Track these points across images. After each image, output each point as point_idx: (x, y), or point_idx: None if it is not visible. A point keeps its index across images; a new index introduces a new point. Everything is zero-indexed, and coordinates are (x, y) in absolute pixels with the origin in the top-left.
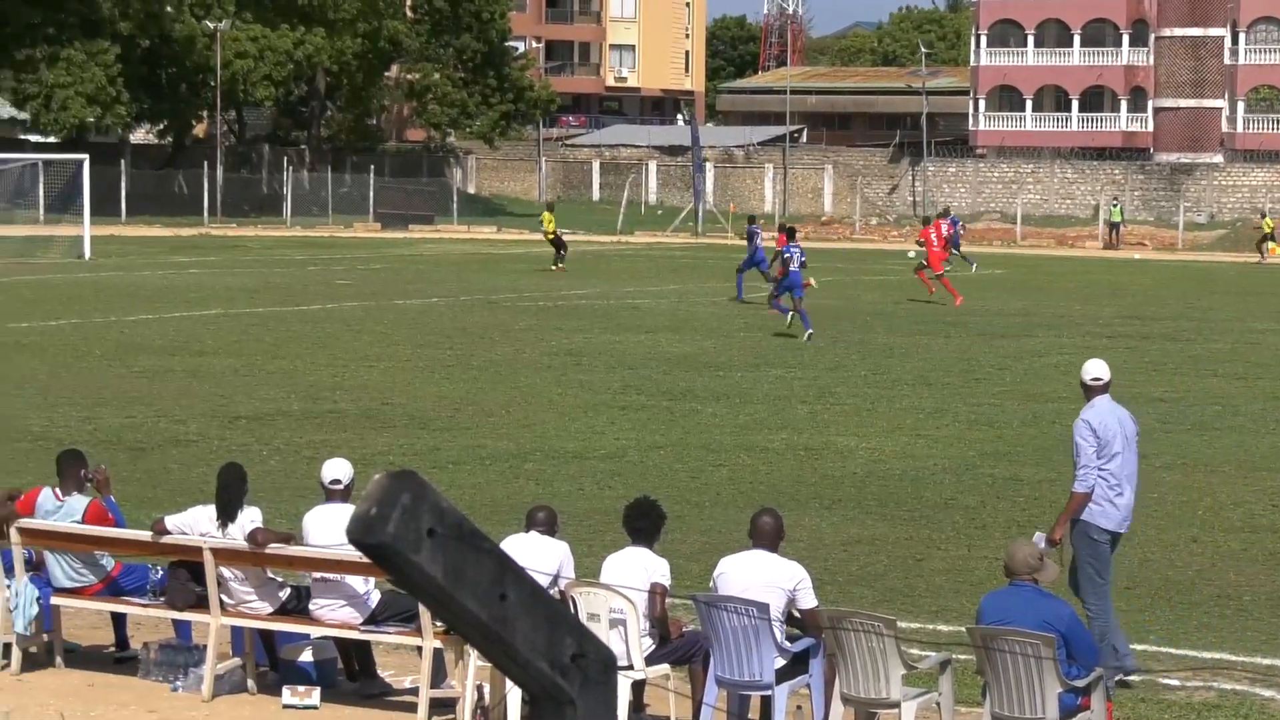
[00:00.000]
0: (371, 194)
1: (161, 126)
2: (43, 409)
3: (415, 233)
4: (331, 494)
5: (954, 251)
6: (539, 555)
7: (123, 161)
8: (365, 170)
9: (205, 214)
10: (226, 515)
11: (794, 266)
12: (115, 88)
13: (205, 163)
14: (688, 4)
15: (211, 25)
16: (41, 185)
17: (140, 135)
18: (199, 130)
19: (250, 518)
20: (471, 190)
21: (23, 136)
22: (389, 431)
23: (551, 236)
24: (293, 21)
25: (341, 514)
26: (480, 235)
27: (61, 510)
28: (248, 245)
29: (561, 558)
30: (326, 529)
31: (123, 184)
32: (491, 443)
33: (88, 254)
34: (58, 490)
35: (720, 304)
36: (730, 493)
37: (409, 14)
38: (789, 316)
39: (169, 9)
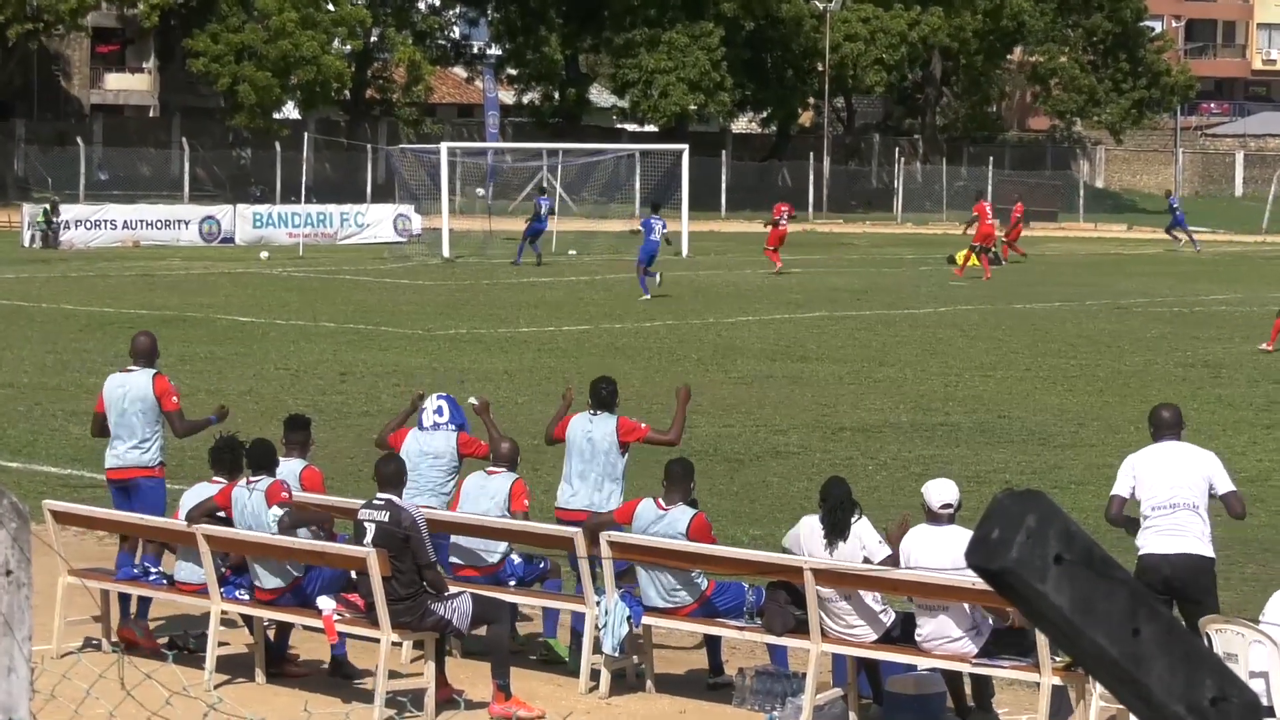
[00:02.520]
0: (990, 188)
1: (765, 115)
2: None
3: (1037, 230)
4: (937, 517)
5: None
6: None
7: (723, 152)
8: (983, 162)
9: (810, 209)
10: (837, 533)
11: (654, 236)
12: (718, 73)
13: (811, 154)
14: None
15: (820, 5)
16: (638, 177)
17: (742, 124)
18: (804, 119)
19: (861, 535)
20: (1099, 184)
21: (620, 125)
22: (1005, 447)
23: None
24: (908, 0)
25: (947, 536)
26: (1109, 233)
27: (664, 521)
28: (855, 243)
29: None
30: (933, 551)
31: (723, 176)
32: (1118, 461)
33: (685, 250)
34: (660, 500)
35: None
36: None
37: None
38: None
39: None
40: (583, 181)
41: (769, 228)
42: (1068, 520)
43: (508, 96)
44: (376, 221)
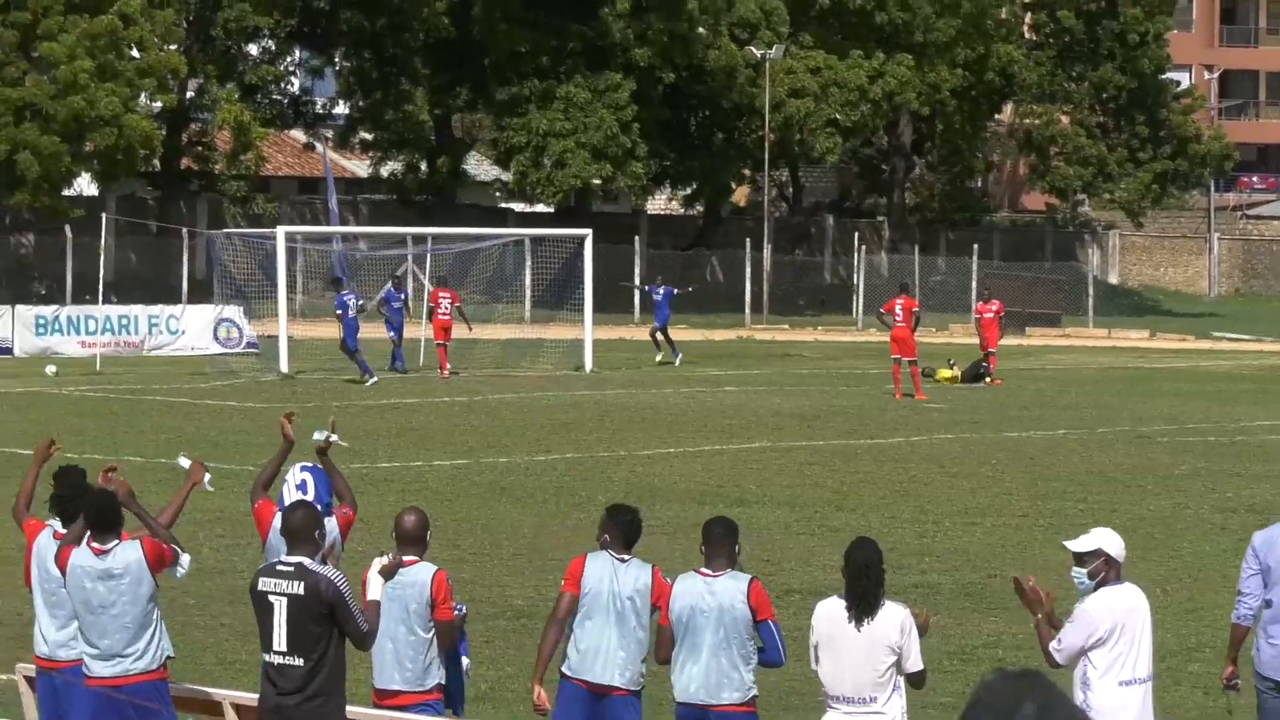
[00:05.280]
0: (974, 284)
1: (689, 190)
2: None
3: (1036, 338)
4: None
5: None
6: None
7: (636, 238)
8: (965, 251)
9: (747, 310)
10: (864, 610)
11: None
12: (629, 137)
13: (748, 240)
14: None
15: (757, 53)
16: (529, 270)
17: (660, 203)
18: (739, 196)
19: None
20: (1113, 279)
21: (506, 205)
22: (997, 615)
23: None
24: (868, 47)
25: None
26: (1125, 341)
27: (714, 593)
28: (804, 353)
29: None
30: None
31: (636, 267)
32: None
33: (589, 364)
34: (703, 569)
35: None
36: None
37: (1027, 33)
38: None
39: (700, 30)
40: (460, 274)
41: (895, 326)
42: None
43: (360, 167)
44: (195, 327)
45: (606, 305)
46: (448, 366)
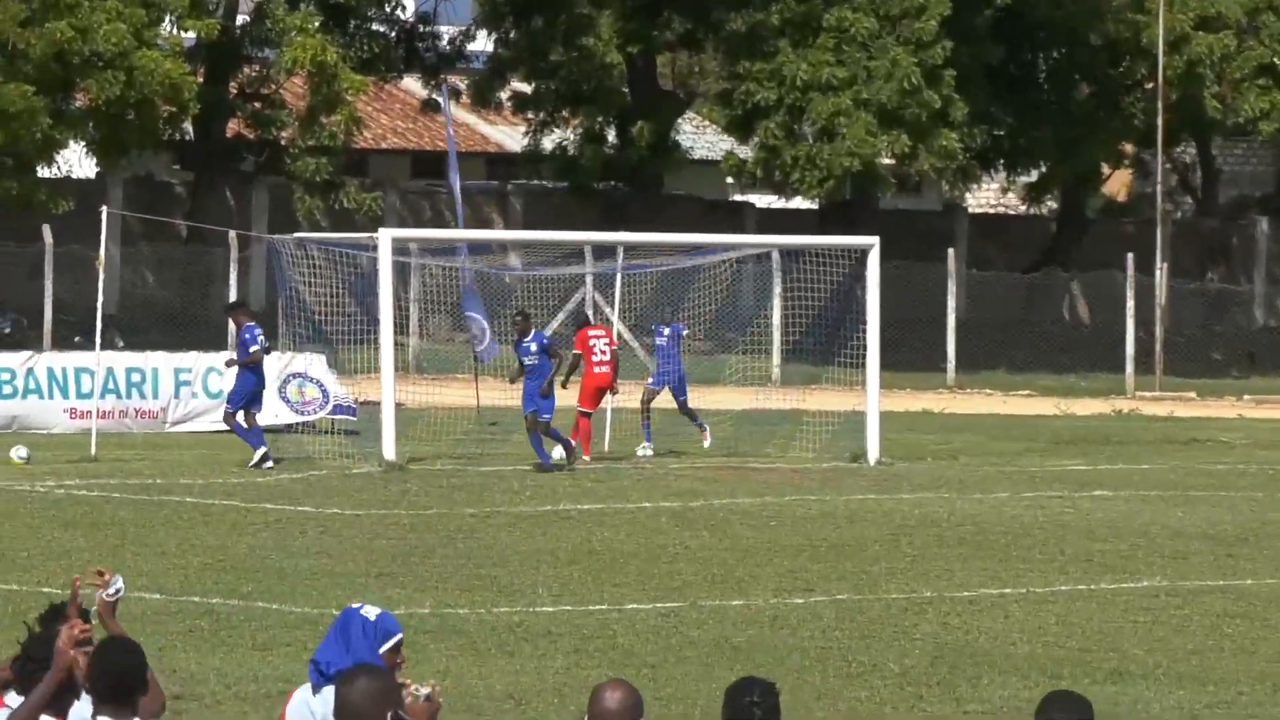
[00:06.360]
0: None
1: (1033, 178)
2: None
3: None
4: None
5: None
6: None
7: (950, 251)
8: None
9: (1129, 369)
10: None
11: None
12: (938, 90)
13: (1129, 258)
14: None
15: None
16: (778, 302)
17: (985, 196)
18: (1114, 187)
19: None
20: None
21: (739, 198)
22: None
23: None
24: None
25: None
26: None
27: None
28: (1222, 438)
29: None
30: None
31: (950, 301)
32: None
33: (874, 453)
34: None
35: None
36: None
37: None
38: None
39: None
40: (666, 306)
41: None
42: None
43: (510, 137)
44: None
45: (902, 356)
46: (585, 445)
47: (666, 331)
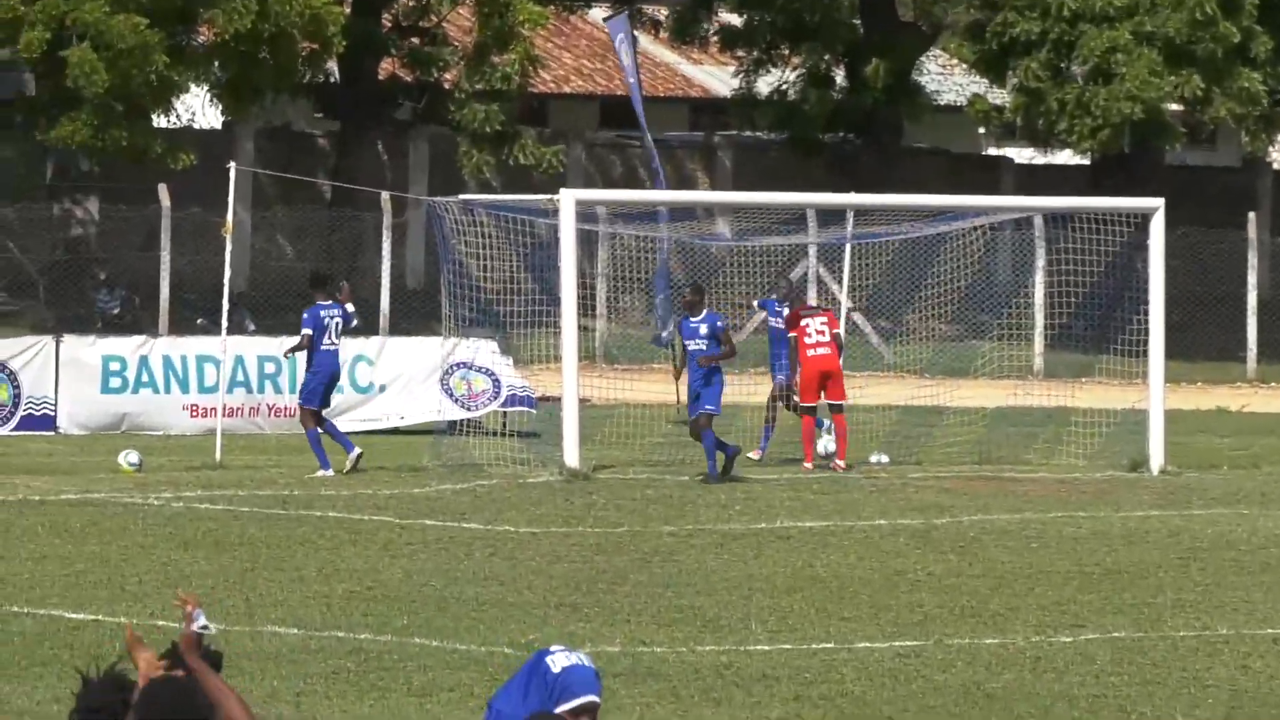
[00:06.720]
0: None
1: None
2: None
3: None
4: None
5: None
6: None
7: (1252, 216)
8: None
9: None
10: None
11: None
12: (1237, 21)
13: None
14: None
15: None
16: (1041, 277)
17: None
18: None
19: None
20: None
21: (995, 151)
22: None
23: None
24: None
25: None
26: None
27: None
28: None
29: None
30: None
31: (1251, 268)
32: None
33: (1157, 459)
34: None
35: None
36: None
37: None
38: None
39: None
40: (903, 282)
41: None
42: None
43: (718, 78)
44: (404, 377)
45: (1192, 342)
46: (807, 449)
47: (784, 312)
